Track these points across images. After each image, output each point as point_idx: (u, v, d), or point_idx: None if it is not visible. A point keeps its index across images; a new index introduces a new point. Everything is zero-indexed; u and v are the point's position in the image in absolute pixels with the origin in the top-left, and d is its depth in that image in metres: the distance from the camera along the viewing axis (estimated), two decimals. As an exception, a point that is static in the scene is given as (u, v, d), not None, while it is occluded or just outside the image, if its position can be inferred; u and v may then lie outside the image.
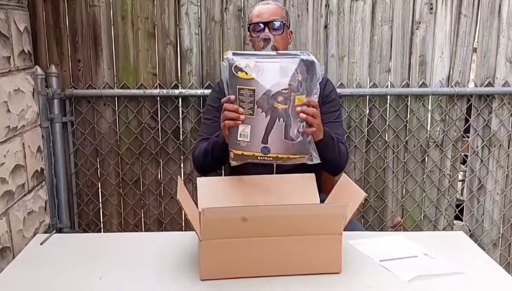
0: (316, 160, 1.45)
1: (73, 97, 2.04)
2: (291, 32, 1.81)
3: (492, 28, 2.12)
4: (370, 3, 2.07)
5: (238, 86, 1.37)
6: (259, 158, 1.42)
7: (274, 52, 1.48)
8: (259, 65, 1.36)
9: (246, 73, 1.35)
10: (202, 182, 1.50)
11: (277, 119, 1.37)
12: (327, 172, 1.81)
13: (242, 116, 1.39)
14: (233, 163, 1.48)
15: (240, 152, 1.42)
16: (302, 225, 1.22)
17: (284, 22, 1.70)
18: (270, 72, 1.36)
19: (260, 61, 1.37)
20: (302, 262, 1.25)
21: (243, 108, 1.38)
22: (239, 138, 1.41)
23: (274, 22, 1.68)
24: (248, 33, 1.77)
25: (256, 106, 1.37)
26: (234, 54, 1.40)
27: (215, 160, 1.68)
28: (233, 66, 1.36)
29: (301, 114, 1.38)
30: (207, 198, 1.44)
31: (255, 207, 1.21)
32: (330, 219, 1.23)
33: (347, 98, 2.12)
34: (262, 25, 1.69)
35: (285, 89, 1.36)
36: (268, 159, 1.42)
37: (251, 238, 1.21)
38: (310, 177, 1.53)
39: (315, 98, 1.42)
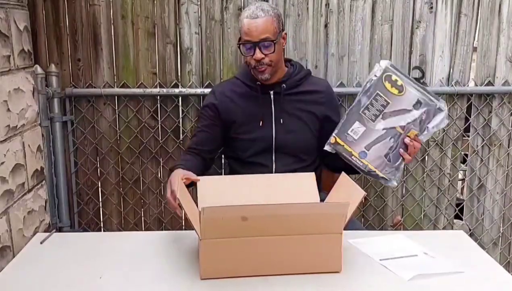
0: (394, 183, 1.62)
1: (73, 96, 2.04)
2: (285, 34, 1.74)
3: (492, 27, 2.11)
4: (370, 2, 2.06)
5: (377, 91, 1.53)
6: (353, 157, 1.58)
7: (420, 86, 1.57)
8: (404, 87, 1.52)
9: (391, 86, 1.52)
10: (202, 181, 1.50)
11: (389, 138, 1.55)
12: (333, 171, 1.82)
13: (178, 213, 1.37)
14: (327, 148, 1.60)
15: (342, 143, 1.58)
16: (302, 224, 1.22)
17: (274, 41, 1.62)
18: (408, 99, 1.52)
19: (407, 84, 1.53)
20: (302, 261, 1.26)
21: (368, 111, 1.54)
22: (349, 131, 1.57)
23: (264, 42, 1.61)
24: (238, 45, 1.70)
25: (381, 116, 1.53)
26: (392, 65, 1.55)
27: None
28: (385, 75, 1.53)
29: (408, 141, 1.54)
30: (207, 197, 1.44)
31: (255, 206, 1.22)
32: (330, 218, 1.24)
33: (347, 98, 2.12)
34: (252, 45, 1.63)
35: (412, 120, 1.53)
36: (360, 163, 1.58)
37: (251, 237, 1.22)
38: (310, 176, 1.55)
39: (422, 137, 1.56)
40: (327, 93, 1.79)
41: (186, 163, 1.66)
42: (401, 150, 1.56)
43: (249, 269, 1.24)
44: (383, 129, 1.54)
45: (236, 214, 1.18)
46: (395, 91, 1.52)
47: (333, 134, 1.58)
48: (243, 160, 1.75)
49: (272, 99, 1.74)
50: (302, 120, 1.73)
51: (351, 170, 1.59)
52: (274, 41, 1.62)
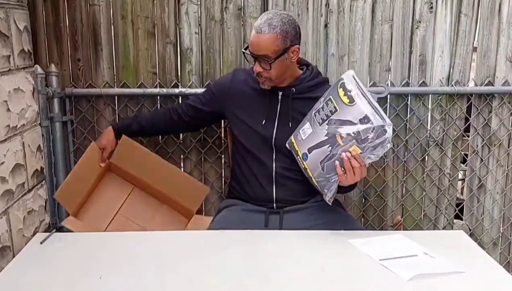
0: (328, 200, 1.56)
1: (73, 96, 2.04)
2: (297, 48, 1.67)
3: (492, 27, 2.11)
4: (370, 2, 2.06)
5: (331, 97, 1.50)
6: (298, 157, 1.58)
7: (376, 103, 1.49)
8: (356, 98, 1.45)
9: (344, 94, 1.46)
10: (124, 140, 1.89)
11: (328, 145, 1.48)
12: None
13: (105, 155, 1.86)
14: (287, 145, 1.65)
15: (294, 141, 1.60)
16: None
17: (271, 61, 1.61)
18: (357, 111, 1.44)
19: (361, 97, 1.45)
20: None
21: (317, 113, 1.52)
22: (300, 131, 1.58)
23: (264, 57, 1.62)
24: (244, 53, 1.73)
25: (326, 121, 1.49)
26: (353, 77, 1.50)
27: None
28: (341, 82, 1.49)
29: (344, 155, 1.45)
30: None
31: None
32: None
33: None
34: (253, 56, 1.65)
35: (354, 133, 1.44)
36: (302, 164, 1.57)
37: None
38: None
39: (367, 160, 1.48)
40: None
41: (147, 119, 1.96)
42: (337, 162, 1.48)
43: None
44: (325, 135, 1.49)
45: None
46: (346, 100, 1.46)
47: (293, 135, 1.61)
48: (247, 147, 1.77)
49: (280, 100, 1.74)
50: None
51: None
52: (271, 61, 1.61)
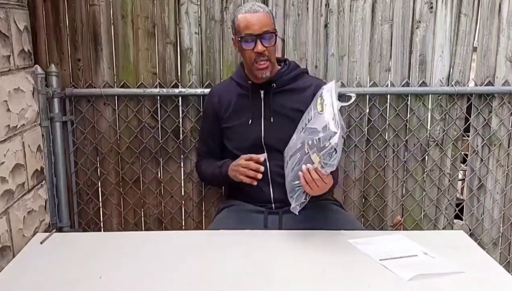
0: (294, 210, 1.52)
1: (73, 96, 2.04)
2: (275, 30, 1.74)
3: (492, 27, 2.11)
4: (370, 2, 2.06)
5: (311, 105, 1.53)
6: (284, 163, 1.60)
7: (338, 112, 1.47)
8: (325, 108, 1.45)
9: (320, 103, 1.48)
10: None
11: (299, 153, 1.49)
12: None
13: (259, 176, 1.58)
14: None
15: (286, 150, 1.60)
16: None
17: (275, 32, 1.67)
18: (322, 119, 1.44)
19: (330, 106, 1.44)
20: None
21: (303, 121, 1.54)
22: (292, 136, 1.58)
23: (266, 34, 1.64)
24: (233, 38, 1.74)
25: (304, 129, 1.50)
26: (332, 88, 1.50)
27: (221, 185, 1.97)
28: (322, 92, 1.51)
29: (303, 168, 1.43)
30: None
31: None
32: None
33: (347, 98, 2.11)
34: (254, 38, 1.65)
35: (316, 141, 1.41)
36: (285, 170, 1.60)
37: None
38: None
39: (328, 168, 1.40)
40: (314, 87, 1.75)
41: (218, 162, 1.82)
42: (300, 172, 1.44)
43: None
44: (300, 143, 1.49)
45: None
46: (319, 108, 1.47)
47: None
48: (239, 150, 1.77)
49: (262, 98, 1.75)
50: (291, 119, 1.71)
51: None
52: (275, 33, 1.67)
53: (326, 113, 1.43)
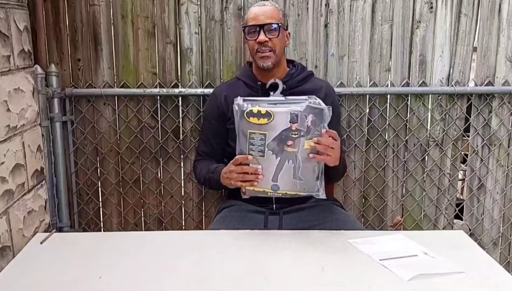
0: (323, 196, 1.52)
1: (73, 96, 2.04)
2: (289, 33, 1.79)
3: (492, 27, 2.11)
4: (370, 2, 2.06)
5: (249, 131, 1.44)
6: (269, 193, 1.52)
7: (283, 98, 1.51)
8: (270, 111, 1.43)
9: (258, 119, 1.43)
10: None
11: (287, 161, 1.46)
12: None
13: (261, 177, 1.48)
14: (244, 197, 1.56)
15: (251, 188, 1.51)
16: None
17: (280, 24, 1.68)
18: (281, 117, 1.42)
19: (271, 106, 1.44)
20: None
21: (253, 151, 1.46)
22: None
23: (270, 24, 1.66)
24: (243, 34, 1.77)
25: (266, 149, 1.45)
26: (244, 100, 1.47)
27: (214, 189, 1.89)
28: (246, 112, 1.44)
29: (317, 146, 1.43)
30: None
31: None
32: None
33: (347, 98, 2.12)
34: (257, 28, 1.67)
35: (295, 134, 1.42)
36: (278, 194, 1.52)
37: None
38: None
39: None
40: (326, 89, 1.79)
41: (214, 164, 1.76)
42: (311, 155, 1.44)
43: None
44: (277, 158, 1.46)
45: None
46: (264, 121, 1.42)
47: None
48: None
49: None
50: None
51: (335, 175, 1.66)
52: (280, 25, 1.68)
53: (279, 111, 1.41)
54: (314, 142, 1.44)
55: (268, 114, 1.42)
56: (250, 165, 1.48)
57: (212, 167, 1.73)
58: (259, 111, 1.42)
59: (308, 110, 1.42)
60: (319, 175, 1.50)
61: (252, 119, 1.43)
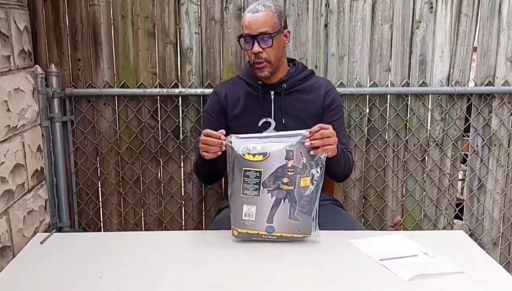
0: (318, 238, 1.48)
1: (73, 96, 2.04)
2: (288, 32, 1.75)
3: (492, 27, 2.11)
4: (370, 2, 2.06)
5: (244, 168, 1.40)
6: (263, 236, 1.45)
7: (276, 133, 1.49)
8: (265, 148, 1.40)
9: (253, 156, 1.40)
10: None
11: (282, 200, 1.42)
12: (333, 179, 1.82)
13: (224, 144, 1.42)
14: (235, 240, 1.49)
15: (245, 231, 1.44)
16: None
17: (273, 34, 1.63)
18: (276, 154, 1.40)
19: (266, 143, 1.41)
20: None
21: (247, 190, 1.42)
22: (244, 217, 1.44)
23: (263, 35, 1.63)
24: (238, 39, 1.73)
25: (262, 187, 1.41)
26: (237, 137, 1.43)
27: (208, 173, 1.76)
28: (241, 148, 1.40)
29: (314, 142, 1.41)
30: None
31: None
32: None
33: (347, 98, 2.12)
34: (251, 38, 1.65)
35: (291, 171, 1.40)
36: (273, 237, 1.46)
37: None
38: None
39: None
40: (326, 86, 1.79)
41: None
42: (307, 197, 1.42)
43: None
44: (272, 197, 1.41)
45: None
46: (260, 158, 1.39)
47: (232, 226, 1.46)
48: None
49: (273, 99, 1.74)
50: (302, 120, 1.72)
51: (338, 169, 1.63)
52: (272, 35, 1.64)
53: (275, 148, 1.39)
54: (309, 138, 1.40)
55: (263, 151, 1.40)
56: (244, 205, 1.42)
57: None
58: (254, 148, 1.40)
59: (303, 148, 1.40)
60: (314, 216, 1.46)
61: (247, 157, 1.39)
